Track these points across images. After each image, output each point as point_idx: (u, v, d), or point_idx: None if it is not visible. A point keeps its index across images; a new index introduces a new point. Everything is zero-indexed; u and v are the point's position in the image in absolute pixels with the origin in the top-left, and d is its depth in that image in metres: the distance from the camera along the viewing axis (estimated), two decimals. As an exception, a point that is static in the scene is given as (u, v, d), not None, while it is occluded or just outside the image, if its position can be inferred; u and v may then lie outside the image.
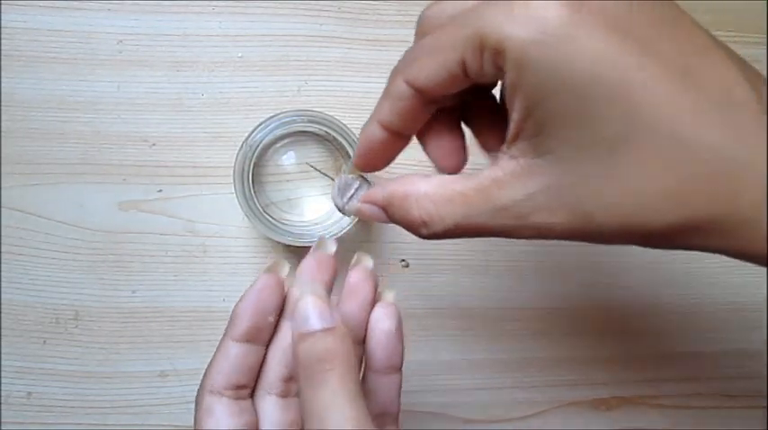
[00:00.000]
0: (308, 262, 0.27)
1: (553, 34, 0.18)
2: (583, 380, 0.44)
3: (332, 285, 0.28)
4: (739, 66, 0.20)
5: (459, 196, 0.22)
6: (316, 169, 0.36)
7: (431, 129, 0.25)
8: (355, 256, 0.29)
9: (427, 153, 0.26)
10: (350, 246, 0.42)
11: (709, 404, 0.46)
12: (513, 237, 0.22)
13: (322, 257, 0.27)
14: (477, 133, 0.25)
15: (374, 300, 0.28)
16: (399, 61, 0.24)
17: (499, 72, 0.20)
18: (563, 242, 0.21)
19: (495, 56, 0.19)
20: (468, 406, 0.43)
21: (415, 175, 0.23)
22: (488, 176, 0.21)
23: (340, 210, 0.29)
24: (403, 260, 0.42)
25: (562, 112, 0.19)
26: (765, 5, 0.45)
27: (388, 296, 0.29)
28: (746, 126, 0.19)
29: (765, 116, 0.19)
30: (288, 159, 0.39)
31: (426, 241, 0.43)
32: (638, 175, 0.19)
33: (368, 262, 0.29)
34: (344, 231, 0.37)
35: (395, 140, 0.24)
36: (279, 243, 0.39)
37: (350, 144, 0.37)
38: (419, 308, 0.43)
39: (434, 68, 0.21)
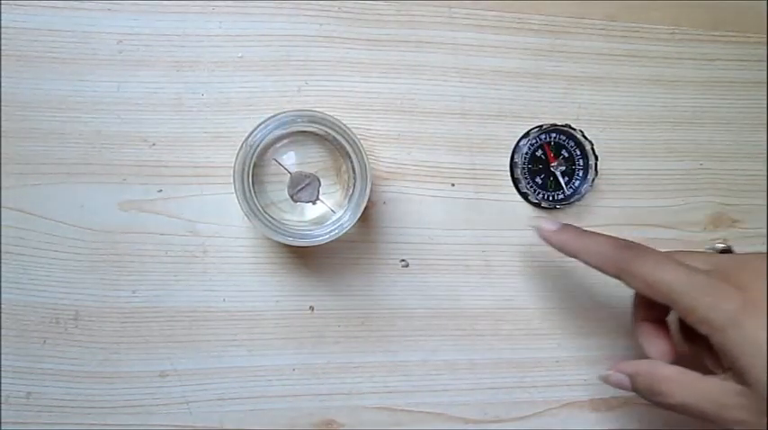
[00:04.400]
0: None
1: (734, 320, 0.30)
2: (583, 380, 0.44)
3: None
4: None
5: (696, 389, 0.32)
6: (278, 162, 0.38)
7: (651, 332, 0.37)
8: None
9: (641, 343, 0.37)
10: (350, 245, 0.42)
11: (709, 404, 0.46)
12: (712, 422, 0.32)
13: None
14: (689, 346, 0.36)
15: None
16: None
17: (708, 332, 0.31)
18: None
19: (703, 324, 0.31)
20: (468, 406, 0.43)
21: (657, 361, 0.35)
22: (719, 386, 0.32)
23: (291, 198, 0.34)
24: (403, 260, 0.42)
25: (749, 368, 0.30)
26: (765, 5, 0.45)
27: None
28: None
29: None
30: (288, 159, 0.39)
31: (425, 241, 0.43)
32: None
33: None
34: (344, 231, 0.37)
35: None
36: (279, 243, 0.39)
37: (350, 144, 0.37)
38: (419, 308, 0.43)
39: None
